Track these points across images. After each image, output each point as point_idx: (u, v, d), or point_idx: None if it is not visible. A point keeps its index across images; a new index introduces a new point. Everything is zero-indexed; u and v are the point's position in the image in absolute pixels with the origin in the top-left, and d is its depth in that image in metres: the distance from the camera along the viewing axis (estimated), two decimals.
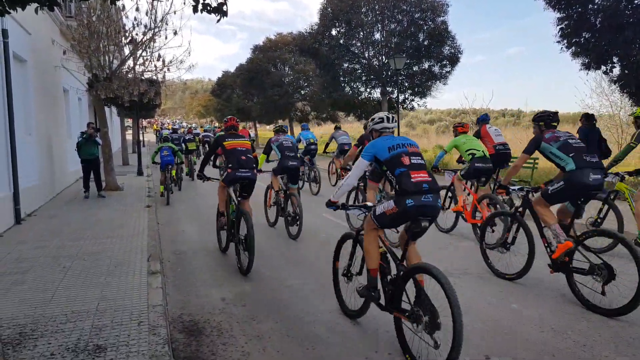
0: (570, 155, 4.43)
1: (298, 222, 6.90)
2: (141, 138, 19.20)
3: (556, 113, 4.88)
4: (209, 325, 3.95)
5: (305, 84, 32.48)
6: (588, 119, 9.19)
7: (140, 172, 15.67)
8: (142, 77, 11.77)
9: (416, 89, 22.28)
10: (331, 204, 3.81)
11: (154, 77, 12.03)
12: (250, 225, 5.20)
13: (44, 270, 5.18)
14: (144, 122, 48.21)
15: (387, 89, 21.52)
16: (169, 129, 25.07)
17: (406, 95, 22.60)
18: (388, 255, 3.63)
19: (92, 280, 4.80)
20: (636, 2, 9.49)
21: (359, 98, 23.69)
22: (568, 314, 4.06)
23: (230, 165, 5.80)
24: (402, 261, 3.51)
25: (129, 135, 26.00)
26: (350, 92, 23.52)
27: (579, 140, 4.59)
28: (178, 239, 7.21)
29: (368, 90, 23.80)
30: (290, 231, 7.11)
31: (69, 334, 3.53)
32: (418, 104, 23.15)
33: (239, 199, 5.84)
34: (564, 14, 10.49)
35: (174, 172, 11.34)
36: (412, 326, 3.12)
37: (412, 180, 3.29)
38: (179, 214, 9.35)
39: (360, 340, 3.63)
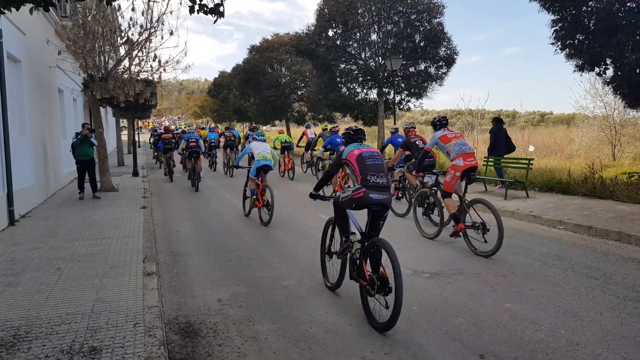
0: None
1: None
2: (137, 139, 19.30)
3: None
4: (204, 326, 3.95)
5: (302, 85, 32.46)
6: (497, 122, 11.20)
7: (135, 173, 15.59)
8: (138, 78, 11.74)
9: (412, 90, 22.27)
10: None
11: (150, 78, 12.00)
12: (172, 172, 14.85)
13: (38, 272, 5.16)
14: (140, 123, 48.52)
15: (384, 89, 21.50)
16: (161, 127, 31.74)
17: (402, 96, 22.61)
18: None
19: (87, 282, 4.79)
20: (629, 4, 9.55)
21: (356, 99, 23.66)
22: (561, 313, 4.09)
23: (163, 144, 15.69)
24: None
25: (124, 136, 25.94)
26: (347, 93, 23.48)
27: None
28: (173, 240, 7.20)
29: (365, 91, 23.76)
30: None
31: (64, 336, 3.52)
32: (414, 105, 23.15)
33: (167, 154, 15.33)
34: (558, 16, 10.52)
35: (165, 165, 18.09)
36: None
37: (190, 144, 13.29)
38: (174, 215, 9.33)
39: (356, 340, 3.64)
